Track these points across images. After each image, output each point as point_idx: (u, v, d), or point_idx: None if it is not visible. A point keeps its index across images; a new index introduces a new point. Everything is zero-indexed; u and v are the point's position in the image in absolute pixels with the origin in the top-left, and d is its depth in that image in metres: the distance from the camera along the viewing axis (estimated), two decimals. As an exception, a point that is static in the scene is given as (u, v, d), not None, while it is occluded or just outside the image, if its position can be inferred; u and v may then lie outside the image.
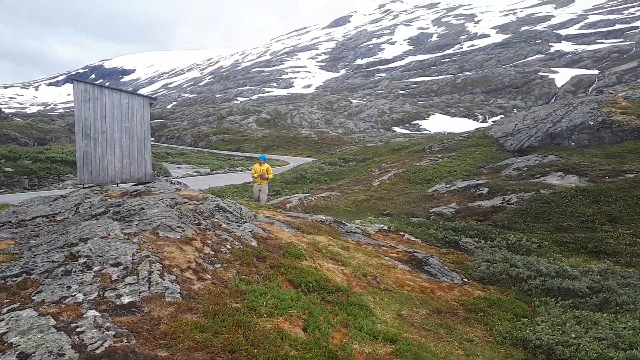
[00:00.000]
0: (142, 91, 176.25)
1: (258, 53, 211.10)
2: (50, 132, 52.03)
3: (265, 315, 4.63)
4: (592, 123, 20.05)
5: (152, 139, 68.62)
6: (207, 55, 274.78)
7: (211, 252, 5.99)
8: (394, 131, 66.50)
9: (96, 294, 4.38)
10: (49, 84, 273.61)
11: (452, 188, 17.04)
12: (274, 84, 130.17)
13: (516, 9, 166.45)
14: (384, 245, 9.58)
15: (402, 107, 77.35)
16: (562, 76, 76.52)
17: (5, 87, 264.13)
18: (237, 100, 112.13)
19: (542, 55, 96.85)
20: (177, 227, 6.40)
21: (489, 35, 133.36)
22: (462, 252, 10.26)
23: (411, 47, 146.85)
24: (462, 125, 62.10)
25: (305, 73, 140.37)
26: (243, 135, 65.20)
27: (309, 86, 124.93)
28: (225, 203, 8.65)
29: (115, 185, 11.68)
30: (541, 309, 7.08)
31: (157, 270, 4.97)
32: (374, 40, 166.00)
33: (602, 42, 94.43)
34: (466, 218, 13.75)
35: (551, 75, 78.15)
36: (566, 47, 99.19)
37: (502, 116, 64.06)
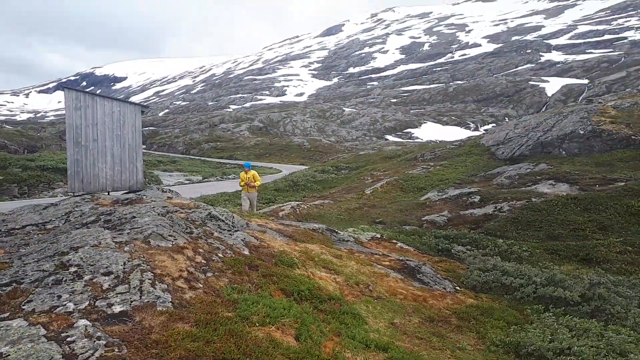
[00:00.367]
0: (133, 99, 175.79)
1: (250, 61, 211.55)
2: (40, 140, 51.68)
3: (257, 324, 4.61)
4: (582, 132, 20.26)
5: (144, 146, 68.41)
6: (199, 63, 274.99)
7: (203, 261, 5.96)
8: (386, 139, 66.78)
9: (87, 303, 4.34)
10: (40, 92, 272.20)
11: (444, 196, 17.11)
12: (267, 92, 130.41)
13: (507, 19, 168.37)
14: (376, 254, 9.59)
15: (394, 115, 77.75)
16: (552, 85, 77.40)
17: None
18: (229, 108, 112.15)
19: (533, 65, 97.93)
20: (169, 235, 6.37)
21: (480, 45, 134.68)
22: (455, 260, 10.28)
23: (403, 56, 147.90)
24: (454, 133, 62.51)
25: (297, 81, 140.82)
26: (235, 143, 65.15)
27: (301, 94, 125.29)
28: (217, 211, 8.62)
29: (107, 194, 11.61)
30: (533, 317, 7.11)
31: (149, 279, 4.94)
32: (366, 49, 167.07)
33: (591, 52, 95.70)
34: (458, 226, 13.80)
35: (542, 85, 79.01)
36: (556, 56, 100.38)
37: (494, 125, 64.58)
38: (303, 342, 4.56)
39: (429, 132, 67.93)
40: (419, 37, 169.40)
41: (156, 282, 4.95)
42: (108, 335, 3.82)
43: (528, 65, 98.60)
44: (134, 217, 7.21)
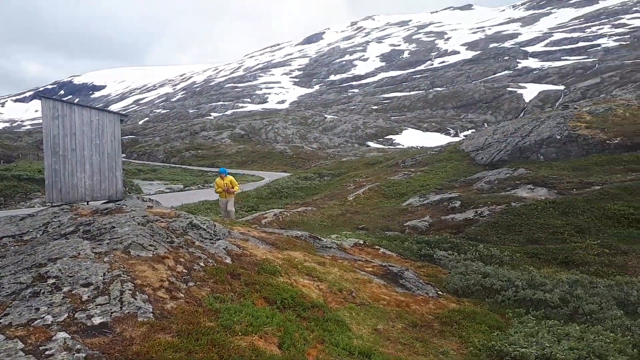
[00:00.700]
0: (113, 107, 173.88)
1: (231, 69, 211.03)
2: (17, 149, 50.67)
3: (240, 334, 4.58)
4: (559, 137, 20.68)
5: (124, 155, 67.48)
6: (179, 71, 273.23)
7: (184, 271, 5.90)
8: (368, 146, 67.12)
9: (66, 315, 4.27)
10: (16, 100, 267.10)
11: (425, 202, 17.26)
12: (248, 100, 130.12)
13: (484, 27, 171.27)
14: (359, 260, 9.61)
15: (375, 122, 78.26)
16: (530, 91, 78.77)
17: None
18: (210, 115, 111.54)
19: (511, 71, 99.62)
20: (149, 245, 6.30)
21: (459, 52, 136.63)
22: (437, 265, 10.36)
23: (383, 64, 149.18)
24: (435, 139, 63.13)
25: (279, 89, 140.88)
26: (217, 151, 64.78)
27: (283, 102, 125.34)
28: (198, 220, 8.56)
29: (86, 204, 11.43)
30: (514, 321, 7.20)
31: (129, 289, 4.88)
32: (347, 57, 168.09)
33: (566, 59, 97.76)
34: (440, 231, 13.93)
35: (519, 91, 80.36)
36: (533, 63, 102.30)
37: (473, 131, 65.39)
38: (286, 351, 4.54)
39: (410, 138, 68.50)
40: (399, 45, 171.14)
41: (137, 292, 4.88)
42: (88, 347, 3.76)
43: (506, 72, 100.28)
44: (114, 227, 7.11)
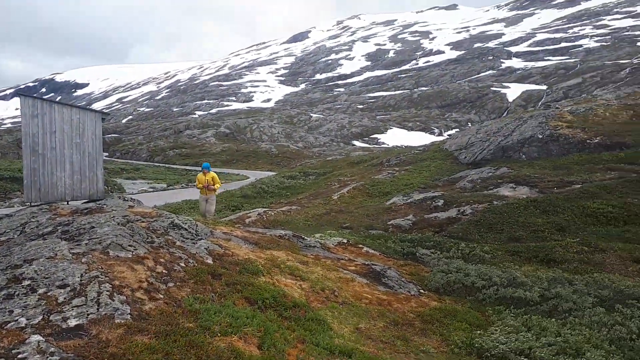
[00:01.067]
0: (96, 105, 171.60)
1: (217, 67, 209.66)
2: (-4, 148, 49.73)
3: (219, 334, 4.55)
4: (540, 136, 20.94)
5: (107, 154, 66.70)
6: (164, 69, 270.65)
7: (164, 271, 5.85)
8: (353, 145, 67.28)
9: (41, 317, 4.20)
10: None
11: (409, 200, 17.34)
12: (233, 98, 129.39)
13: (469, 27, 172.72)
14: (342, 259, 9.63)
15: (360, 121, 78.45)
16: (513, 91, 79.67)
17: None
18: (195, 114, 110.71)
19: (494, 71, 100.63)
20: (129, 245, 6.23)
21: (443, 52, 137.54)
22: (419, 264, 10.43)
23: (369, 63, 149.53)
24: (419, 138, 63.51)
25: (264, 87, 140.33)
26: (201, 150, 64.33)
27: (268, 100, 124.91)
28: (180, 220, 8.49)
29: (66, 203, 11.25)
30: (494, 318, 7.27)
31: (107, 291, 4.81)
32: (333, 56, 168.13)
33: (549, 59, 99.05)
34: (423, 230, 14.00)
35: (503, 90, 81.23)
36: (516, 63, 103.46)
37: (457, 130, 65.91)
38: (266, 351, 4.53)
39: (395, 137, 68.83)
40: (384, 44, 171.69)
41: (114, 293, 4.82)
42: (62, 350, 3.70)
43: (490, 72, 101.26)
44: (93, 227, 7.02)
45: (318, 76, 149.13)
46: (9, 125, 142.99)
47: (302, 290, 7.08)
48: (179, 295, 5.34)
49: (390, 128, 73.80)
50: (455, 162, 23.17)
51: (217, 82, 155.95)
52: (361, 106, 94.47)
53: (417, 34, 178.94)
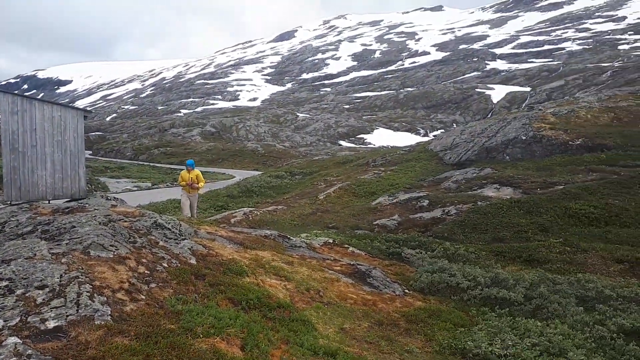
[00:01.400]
0: (79, 103, 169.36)
1: (202, 65, 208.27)
2: (-24, 146, 48.75)
3: (201, 336, 4.48)
4: (524, 137, 21.16)
5: (90, 152, 65.87)
6: (149, 67, 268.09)
7: (146, 272, 5.76)
8: (339, 145, 67.37)
9: (18, 319, 4.10)
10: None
11: (394, 200, 17.39)
12: (219, 97, 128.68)
13: (454, 28, 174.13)
14: (328, 259, 9.60)
15: (347, 121, 78.59)
16: (497, 93, 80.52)
17: None
18: (180, 112, 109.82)
19: (479, 73, 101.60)
20: (110, 245, 6.12)
21: (429, 53, 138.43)
22: (404, 264, 10.44)
23: (355, 63, 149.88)
24: (405, 139, 63.85)
25: (251, 86, 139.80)
26: (187, 148, 63.87)
27: (255, 99, 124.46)
28: (163, 219, 8.38)
29: (47, 202, 11.06)
30: (478, 318, 7.30)
31: (87, 291, 4.72)
32: (319, 56, 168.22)
33: (533, 62, 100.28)
34: (408, 230, 14.06)
35: (487, 92, 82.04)
36: (501, 65, 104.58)
37: (443, 130, 66.39)
38: (249, 352, 4.48)
39: (381, 137, 69.09)
40: (371, 45, 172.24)
41: (95, 294, 4.73)
42: (40, 352, 3.61)
43: (475, 73, 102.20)
44: (74, 226, 6.90)
45: (304, 75, 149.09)
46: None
47: (287, 290, 7.03)
48: (161, 296, 5.26)
49: (377, 128, 74.06)
50: (440, 162, 23.31)
51: (202, 81, 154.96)
52: (347, 106, 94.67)
53: (403, 35, 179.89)
